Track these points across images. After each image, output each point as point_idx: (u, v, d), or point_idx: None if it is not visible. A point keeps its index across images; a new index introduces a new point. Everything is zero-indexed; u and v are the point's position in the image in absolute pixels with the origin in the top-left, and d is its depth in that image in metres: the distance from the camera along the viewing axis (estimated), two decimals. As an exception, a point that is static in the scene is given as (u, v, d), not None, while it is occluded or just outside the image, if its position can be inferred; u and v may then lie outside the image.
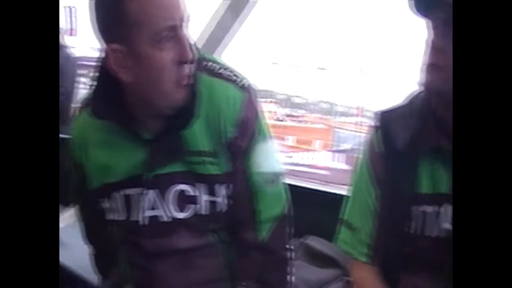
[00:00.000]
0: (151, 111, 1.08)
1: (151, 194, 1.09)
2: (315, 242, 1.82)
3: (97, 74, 1.09)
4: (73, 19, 10.75)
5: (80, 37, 10.93)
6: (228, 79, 1.12)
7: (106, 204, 1.14)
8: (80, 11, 10.97)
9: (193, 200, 1.11)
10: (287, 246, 1.18)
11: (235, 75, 1.12)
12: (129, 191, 1.11)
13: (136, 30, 0.97)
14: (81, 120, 1.17)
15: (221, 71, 1.12)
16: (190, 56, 1.02)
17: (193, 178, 1.10)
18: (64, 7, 10.77)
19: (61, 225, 2.40)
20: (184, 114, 1.06)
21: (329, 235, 1.83)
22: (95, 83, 1.10)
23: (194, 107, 1.06)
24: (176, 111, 1.06)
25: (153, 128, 1.09)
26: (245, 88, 1.12)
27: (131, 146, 1.09)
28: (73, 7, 10.83)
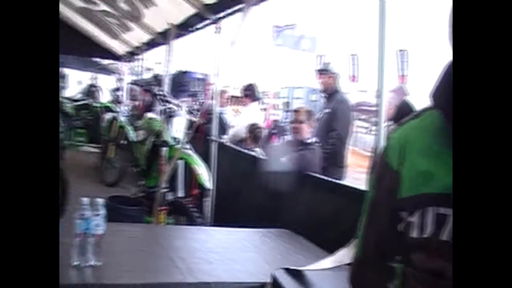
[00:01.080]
0: None
1: None
2: None
3: (443, 72, 1.06)
4: (355, 66, 11.29)
5: (362, 83, 11.35)
6: None
7: (413, 218, 1.06)
8: (363, 59, 11.45)
9: None
10: None
11: None
12: (444, 210, 1.02)
13: None
14: (411, 124, 1.14)
15: None
16: None
17: None
18: (348, 55, 11.44)
19: (297, 266, 2.18)
20: None
21: None
22: (441, 80, 1.06)
23: None
24: None
25: None
26: None
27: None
28: (355, 54, 11.40)
